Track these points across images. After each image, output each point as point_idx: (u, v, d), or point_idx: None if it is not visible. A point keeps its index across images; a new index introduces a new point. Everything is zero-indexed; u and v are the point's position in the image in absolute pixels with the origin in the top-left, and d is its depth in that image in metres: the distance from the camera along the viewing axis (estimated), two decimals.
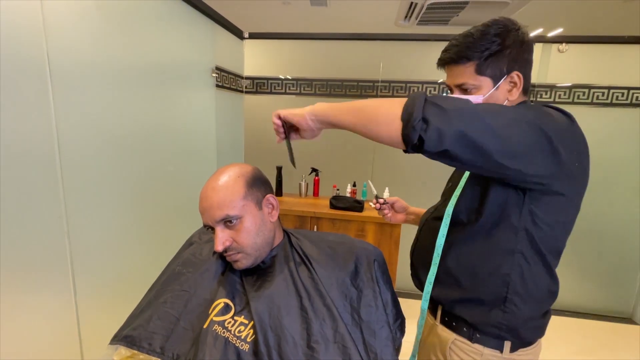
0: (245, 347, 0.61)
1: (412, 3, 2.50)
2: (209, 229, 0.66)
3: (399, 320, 0.74)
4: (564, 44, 2.02)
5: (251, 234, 0.65)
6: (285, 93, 2.38)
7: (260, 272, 0.70)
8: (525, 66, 0.67)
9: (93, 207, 1.14)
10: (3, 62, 0.83)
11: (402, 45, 2.19)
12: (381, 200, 0.98)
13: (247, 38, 2.30)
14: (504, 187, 0.63)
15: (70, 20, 1.01)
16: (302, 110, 0.62)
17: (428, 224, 0.81)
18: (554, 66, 2.06)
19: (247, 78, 2.39)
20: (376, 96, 2.29)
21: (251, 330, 0.62)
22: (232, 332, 0.62)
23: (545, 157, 0.57)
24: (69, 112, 1.02)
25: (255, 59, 2.37)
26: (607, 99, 2.05)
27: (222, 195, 0.63)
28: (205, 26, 1.81)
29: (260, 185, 0.69)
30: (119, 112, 1.23)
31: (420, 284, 0.81)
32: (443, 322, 0.76)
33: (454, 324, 0.74)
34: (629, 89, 2.02)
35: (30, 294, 0.95)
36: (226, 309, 0.64)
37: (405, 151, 0.56)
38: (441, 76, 2.13)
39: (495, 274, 0.67)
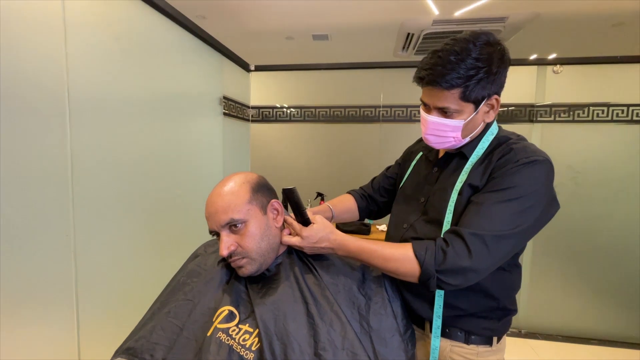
0: (250, 356, 0.58)
1: (408, 34, 2.65)
2: (215, 235, 0.67)
3: (410, 331, 0.71)
4: (558, 66, 2.09)
5: (256, 238, 0.65)
6: (290, 121, 2.46)
7: (265, 280, 0.69)
8: (502, 87, 0.69)
9: (101, 229, 1.15)
10: (27, 90, 0.88)
11: (401, 72, 2.28)
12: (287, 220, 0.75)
13: (253, 70, 2.42)
14: None
15: (90, 52, 1.08)
16: (328, 244, 0.68)
17: (422, 227, 0.76)
18: (551, 87, 2.12)
19: (253, 107, 2.48)
20: (378, 120, 2.35)
21: (256, 339, 0.60)
22: (237, 341, 0.60)
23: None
24: (84, 137, 1.06)
25: (260, 89, 2.48)
26: (607, 116, 2.07)
27: (228, 200, 0.64)
28: (214, 59, 1.93)
29: (265, 191, 0.70)
30: (132, 138, 1.28)
31: (415, 314, 0.76)
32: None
33: (447, 330, 0.74)
34: (628, 105, 2.05)
35: (32, 311, 0.93)
36: (230, 316, 0.63)
37: None
38: None
39: (486, 292, 0.72)
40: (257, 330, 0.60)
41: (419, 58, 3.36)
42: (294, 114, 2.45)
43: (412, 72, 0.70)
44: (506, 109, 2.14)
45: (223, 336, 0.60)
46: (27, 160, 0.89)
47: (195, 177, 1.74)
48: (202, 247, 0.84)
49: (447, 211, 0.70)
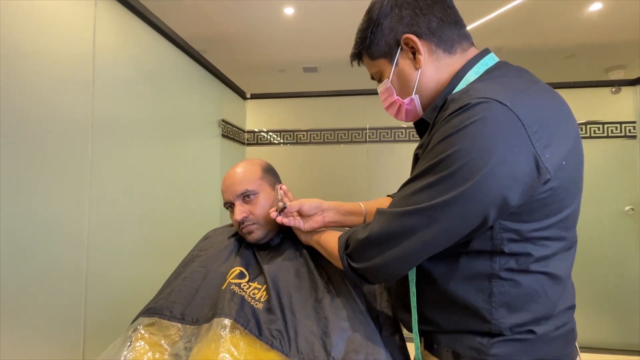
0: (260, 305, 0.67)
1: None
2: (229, 207, 0.78)
3: None
4: None
5: (265, 208, 0.77)
6: (282, 144, 2.63)
7: (271, 248, 0.79)
8: (417, 23, 0.56)
9: (112, 230, 1.23)
10: (56, 112, 1.02)
11: None
12: (280, 205, 0.73)
13: (249, 98, 2.63)
14: None
15: (114, 81, 1.24)
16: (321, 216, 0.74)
17: None
18: None
19: (248, 132, 2.65)
20: (365, 141, 2.55)
21: (264, 293, 0.69)
22: (248, 293, 0.69)
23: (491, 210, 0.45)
24: (103, 152, 1.19)
25: (256, 115, 2.68)
26: None
27: (243, 174, 0.77)
28: (214, 86, 2.12)
29: (274, 173, 0.83)
30: (144, 154, 1.42)
31: (402, 321, 0.69)
32: (425, 344, 0.62)
33: (434, 346, 0.60)
34: (586, 123, 2.31)
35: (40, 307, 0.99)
36: (241, 275, 0.73)
37: None
38: None
39: (469, 307, 0.52)
40: (265, 285, 0.70)
41: None
42: (286, 137, 2.63)
43: None
44: None
45: (236, 288, 0.69)
46: (51, 171, 1.00)
47: (195, 190, 1.85)
48: (211, 231, 0.94)
49: None
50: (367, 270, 0.55)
